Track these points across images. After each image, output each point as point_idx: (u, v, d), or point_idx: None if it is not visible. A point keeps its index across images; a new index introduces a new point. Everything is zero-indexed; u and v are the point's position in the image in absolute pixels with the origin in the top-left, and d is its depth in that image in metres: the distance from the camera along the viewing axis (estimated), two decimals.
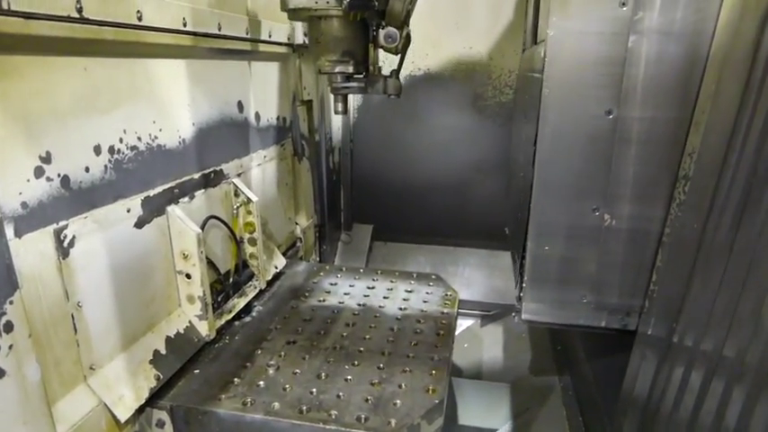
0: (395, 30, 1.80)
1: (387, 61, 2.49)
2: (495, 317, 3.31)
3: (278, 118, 2.50)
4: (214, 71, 1.92)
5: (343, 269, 2.49)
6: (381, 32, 1.82)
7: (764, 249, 1.02)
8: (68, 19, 1.18)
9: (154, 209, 1.57)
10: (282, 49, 2.46)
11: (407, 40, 1.90)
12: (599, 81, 1.45)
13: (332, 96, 2.50)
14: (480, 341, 3.16)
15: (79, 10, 1.20)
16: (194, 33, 1.69)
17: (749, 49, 1.12)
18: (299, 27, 2.55)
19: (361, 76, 1.96)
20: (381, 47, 1.87)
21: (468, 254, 3.62)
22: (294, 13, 1.85)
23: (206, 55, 1.84)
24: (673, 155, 1.45)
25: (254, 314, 2.04)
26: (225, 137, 2.01)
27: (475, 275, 3.55)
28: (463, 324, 3.31)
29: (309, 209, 2.94)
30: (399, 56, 1.98)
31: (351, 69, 1.87)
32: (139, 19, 1.41)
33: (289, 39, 2.47)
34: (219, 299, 1.96)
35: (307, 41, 2.59)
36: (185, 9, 1.62)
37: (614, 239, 1.58)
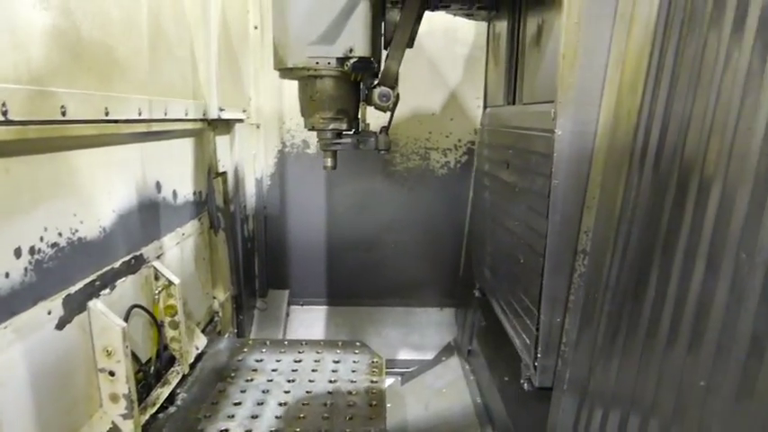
0: (388, 89, 1.91)
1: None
2: (415, 374, 3.40)
3: (194, 193, 2.47)
4: (133, 154, 1.89)
5: (267, 343, 2.46)
6: (375, 92, 1.92)
7: (655, 324, 1.21)
8: None
9: (75, 306, 1.48)
10: (198, 125, 2.47)
11: (397, 99, 2.02)
12: None
13: (274, 160, 2.37)
14: (402, 399, 3.22)
15: (4, 113, 1.17)
16: (116, 121, 1.67)
17: (625, 150, 1.37)
18: (215, 101, 2.58)
19: (351, 132, 2.03)
20: (374, 104, 1.97)
21: (385, 313, 3.72)
22: (290, 72, 1.87)
23: (126, 140, 1.81)
24: None
25: (178, 403, 1.94)
26: (144, 220, 1.95)
27: (392, 334, 3.64)
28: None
29: (226, 281, 2.88)
30: (389, 113, 2.10)
31: (344, 126, 1.95)
32: (63, 114, 1.39)
33: (204, 114, 2.49)
34: (141, 387, 1.85)
35: (221, 116, 2.63)
36: (107, 98, 1.61)
37: None
